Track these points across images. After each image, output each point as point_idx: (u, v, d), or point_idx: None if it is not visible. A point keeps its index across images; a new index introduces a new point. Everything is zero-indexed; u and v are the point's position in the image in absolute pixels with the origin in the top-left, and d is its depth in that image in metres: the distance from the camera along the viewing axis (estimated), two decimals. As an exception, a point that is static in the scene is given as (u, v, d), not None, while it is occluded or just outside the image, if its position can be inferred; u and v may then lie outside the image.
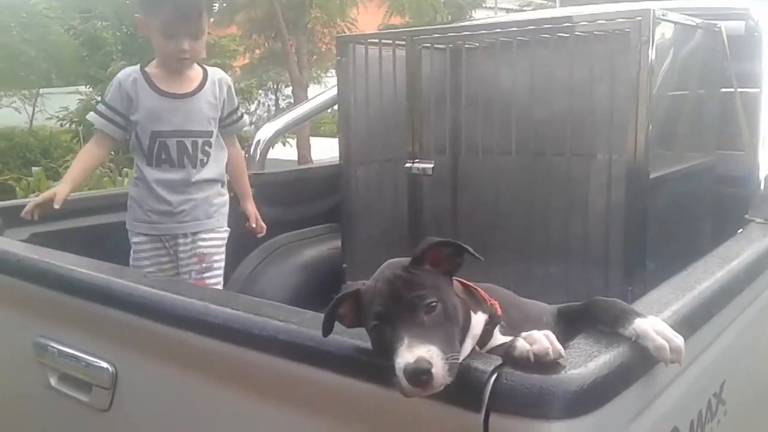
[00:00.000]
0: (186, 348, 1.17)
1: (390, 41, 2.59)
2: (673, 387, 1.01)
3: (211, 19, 2.28)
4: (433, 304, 0.92)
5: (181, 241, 2.15)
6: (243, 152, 2.67)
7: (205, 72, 2.19)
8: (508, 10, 16.25)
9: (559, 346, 0.88)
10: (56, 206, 1.93)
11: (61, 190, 1.94)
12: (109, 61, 7.34)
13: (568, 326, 1.01)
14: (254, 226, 2.39)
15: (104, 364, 1.30)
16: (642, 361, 0.94)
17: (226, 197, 2.28)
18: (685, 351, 0.94)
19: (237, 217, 2.40)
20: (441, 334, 0.89)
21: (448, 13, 11.46)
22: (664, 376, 0.97)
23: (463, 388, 0.87)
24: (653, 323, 0.95)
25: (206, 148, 2.16)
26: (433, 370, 0.83)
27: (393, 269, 0.99)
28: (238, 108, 2.34)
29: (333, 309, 1.00)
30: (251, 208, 2.41)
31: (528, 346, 0.88)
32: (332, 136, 10.19)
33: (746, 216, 1.76)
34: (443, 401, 0.88)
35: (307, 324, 1.05)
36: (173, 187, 2.12)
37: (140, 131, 2.09)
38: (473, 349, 0.97)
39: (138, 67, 2.14)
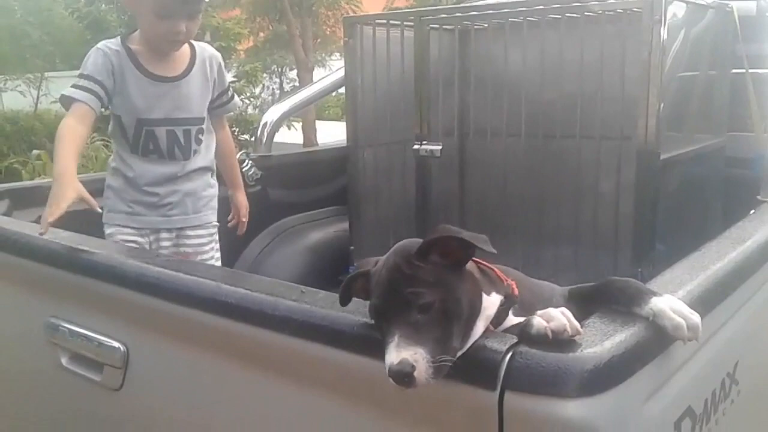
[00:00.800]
0: (198, 328, 1.17)
1: (398, 22, 2.57)
2: (688, 366, 1.01)
3: (206, -1, 2.04)
4: (430, 302, 0.90)
5: (164, 236, 1.94)
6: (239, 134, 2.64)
7: (193, 50, 1.96)
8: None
9: (576, 323, 0.88)
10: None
11: (68, 195, 1.56)
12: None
13: (580, 307, 1.00)
14: (242, 219, 2.18)
15: (116, 344, 1.30)
16: (657, 340, 0.93)
17: (216, 188, 2.07)
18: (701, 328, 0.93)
19: (248, 200, 2.39)
20: (434, 335, 0.88)
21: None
22: (679, 356, 0.97)
23: (478, 367, 0.87)
24: (669, 302, 0.95)
25: (199, 136, 1.96)
26: (415, 374, 0.84)
27: (398, 257, 0.96)
28: (228, 87, 2.10)
29: (348, 284, 1.01)
30: (241, 198, 2.19)
31: (545, 323, 0.87)
32: (337, 119, 10.16)
33: (758, 197, 1.75)
34: (458, 380, 0.87)
35: (320, 303, 1.05)
36: (161, 178, 1.91)
37: (124, 117, 1.87)
38: (487, 329, 0.97)
39: (119, 40, 1.89)
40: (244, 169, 2.64)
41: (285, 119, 2.97)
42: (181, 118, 1.91)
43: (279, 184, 2.80)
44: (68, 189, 1.56)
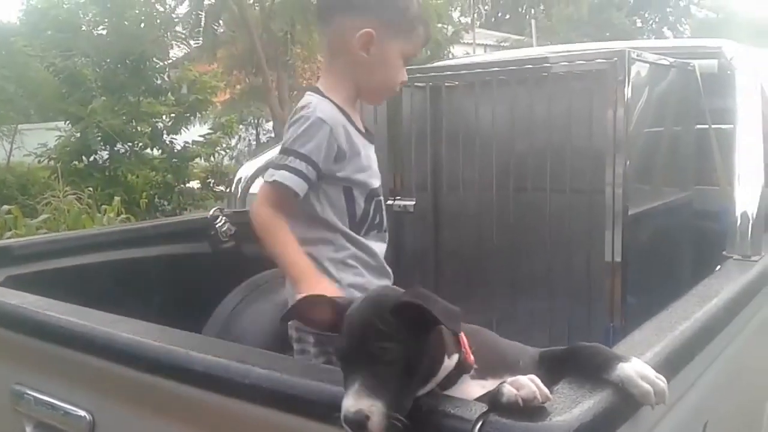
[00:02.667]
0: (167, 396, 1.15)
1: (371, 80, 2.61)
2: (658, 430, 1.01)
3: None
4: (396, 359, 0.92)
5: None
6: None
7: None
8: (485, 47, 16.53)
9: (545, 390, 0.88)
10: None
11: (330, 289, 1.38)
12: (90, 98, 7.34)
13: (550, 371, 1.01)
14: None
15: (82, 413, 1.27)
16: (625, 406, 0.94)
17: None
18: (668, 392, 0.95)
19: (222, 257, 2.38)
20: (392, 389, 0.91)
21: (427, 49, 11.61)
22: (649, 420, 0.98)
23: (448, 436, 0.87)
24: (636, 367, 0.96)
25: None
26: (369, 425, 0.88)
27: (373, 308, 0.98)
28: None
29: (302, 307, 1.05)
30: None
31: (515, 391, 0.88)
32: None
33: (724, 253, 1.78)
34: (428, 450, 0.87)
35: (290, 371, 1.04)
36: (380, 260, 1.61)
37: (356, 190, 1.55)
38: (432, 390, 0.98)
39: (322, 97, 1.53)
40: (217, 225, 2.63)
41: (260, 174, 2.98)
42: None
43: (253, 240, 2.78)
44: (326, 287, 1.39)
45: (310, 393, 0.99)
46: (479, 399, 0.95)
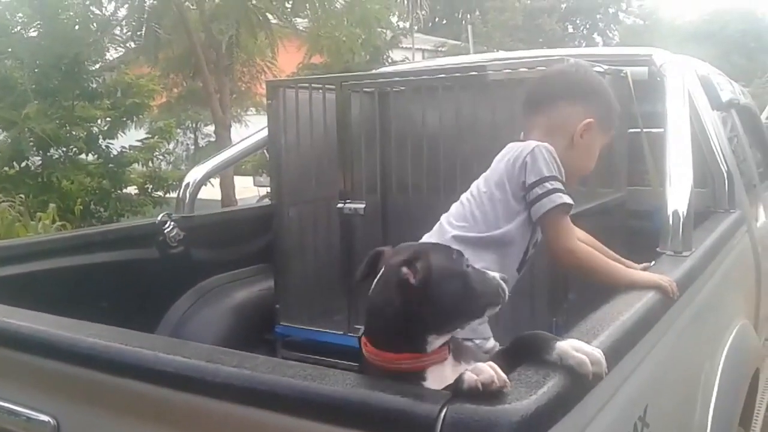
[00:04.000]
0: (135, 398, 1.17)
1: (320, 86, 2.66)
2: (604, 413, 1.10)
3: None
4: None
5: None
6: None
7: None
8: (423, 51, 16.75)
9: (503, 375, 0.95)
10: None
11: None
12: (23, 102, 7.10)
13: (505, 363, 1.09)
14: None
15: (45, 418, 1.27)
16: (575, 389, 1.02)
17: None
18: (604, 361, 1.05)
19: (171, 262, 2.38)
20: None
21: (366, 54, 11.69)
22: (596, 403, 1.06)
23: (414, 424, 0.92)
24: (571, 343, 1.07)
25: None
26: None
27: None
28: None
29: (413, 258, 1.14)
30: None
31: (475, 377, 0.94)
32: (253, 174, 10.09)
33: (657, 249, 1.90)
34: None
35: (260, 369, 1.07)
36: None
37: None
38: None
39: None
40: (165, 230, 2.63)
41: (207, 179, 2.99)
42: None
43: (202, 244, 2.79)
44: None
45: (280, 388, 1.03)
46: (446, 388, 1.01)
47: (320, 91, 2.64)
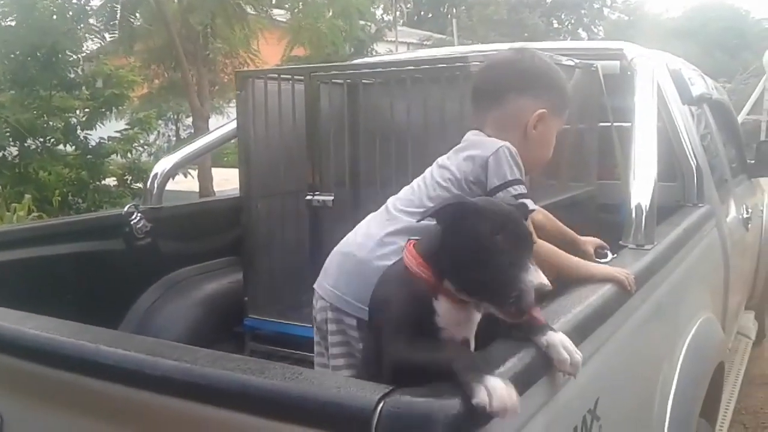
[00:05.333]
0: (79, 392, 1.15)
1: (289, 76, 2.63)
2: (548, 407, 1.09)
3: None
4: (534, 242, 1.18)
5: None
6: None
7: None
8: (408, 45, 16.71)
9: (515, 403, 0.92)
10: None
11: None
12: (-2, 92, 7.01)
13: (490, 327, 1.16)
14: None
15: (-12, 412, 1.25)
16: (519, 383, 1.01)
17: None
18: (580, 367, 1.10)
19: (137, 254, 2.35)
20: None
21: (350, 46, 11.65)
22: (540, 397, 1.05)
23: (351, 417, 0.91)
24: (562, 338, 1.11)
25: None
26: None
27: (508, 205, 1.22)
28: None
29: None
30: None
31: (487, 400, 0.90)
32: (235, 166, 10.04)
33: (620, 242, 1.90)
34: (329, 430, 0.91)
35: (200, 362, 1.06)
36: None
37: None
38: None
39: None
40: (132, 222, 2.60)
41: (176, 170, 2.95)
42: None
43: (170, 236, 2.76)
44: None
45: (221, 382, 1.01)
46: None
47: (289, 82, 2.61)
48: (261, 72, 2.85)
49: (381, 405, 0.90)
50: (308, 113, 2.54)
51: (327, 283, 1.68)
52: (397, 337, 1.14)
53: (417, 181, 1.72)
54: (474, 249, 1.13)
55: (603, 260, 1.91)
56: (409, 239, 1.29)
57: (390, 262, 1.52)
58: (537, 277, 1.07)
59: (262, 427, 0.96)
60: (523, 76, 1.69)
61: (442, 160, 1.71)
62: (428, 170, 1.72)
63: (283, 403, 0.95)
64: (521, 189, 1.58)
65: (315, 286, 1.73)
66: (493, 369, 0.98)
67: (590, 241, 2.05)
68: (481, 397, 0.91)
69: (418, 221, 1.37)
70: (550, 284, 1.07)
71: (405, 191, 1.73)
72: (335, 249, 1.73)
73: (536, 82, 1.69)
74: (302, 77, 2.57)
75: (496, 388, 0.91)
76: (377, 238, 1.61)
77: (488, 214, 1.15)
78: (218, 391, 1.00)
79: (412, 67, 2.42)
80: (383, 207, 1.73)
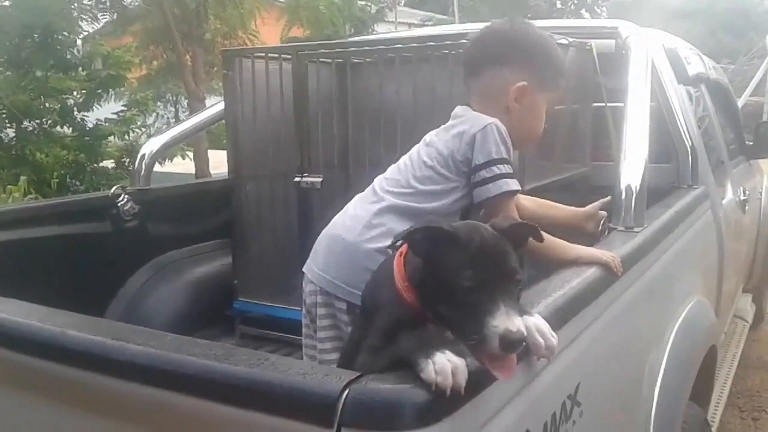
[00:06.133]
0: (46, 378, 1.12)
1: (276, 55, 2.59)
2: (525, 391, 1.06)
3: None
4: (522, 279, 1.04)
5: None
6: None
7: None
8: (409, 25, 16.56)
9: (461, 381, 0.89)
10: None
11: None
12: (-10, 73, 6.95)
13: None
14: None
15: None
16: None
17: None
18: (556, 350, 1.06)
19: (125, 236, 2.32)
20: (518, 309, 1.00)
21: (351, 26, 11.54)
22: (514, 384, 1.02)
23: (316, 404, 0.88)
24: (536, 321, 1.06)
25: None
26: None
27: (491, 234, 1.07)
28: None
29: (431, 235, 1.07)
30: None
31: (434, 376, 0.88)
32: (235, 148, 9.95)
33: (610, 224, 1.86)
34: (295, 418, 0.88)
35: (166, 347, 1.03)
36: None
37: None
38: None
39: None
40: (119, 204, 2.57)
41: (165, 151, 2.92)
42: None
43: (159, 218, 2.74)
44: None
45: (187, 367, 0.99)
46: None
47: (278, 61, 2.57)
48: (248, 50, 2.82)
49: (346, 392, 0.87)
50: (296, 93, 2.50)
51: (316, 266, 1.65)
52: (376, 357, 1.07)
53: (403, 160, 1.68)
54: (442, 280, 1.04)
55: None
56: (398, 246, 1.19)
57: (379, 245, 1.51)
58: (505, 321, 0.95)
59: (225, 414, 0.93)
60: (503, 46, 1.63)
61: (429, 136, 1.67)
62: (415, 148, 1.68)
63: (247, 390, 0.93)
64: (506, 168, 1.53)
65: (304, 269, 1.70)
66: (448, 346, 0.93)
67: (591, 216, 1.96)
68: (427, 371, 0.88)
69: (387, 248, 1.30)
70: (521, 330, 0.95)
71: (391, 170, 1.69)
72: (324, 231, 1.70)
73: (516, 52, 1.62)
74: (290, 56, 2.52)
75: (440, 362, 0.89)
76: (365, 221, 1.58)
77: (462, 244, 1.04)
78: (182, 376, 0.98)
79: (401, 46, 2.37)
80: (370, 187, 1.70)
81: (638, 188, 1.86)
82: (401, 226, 1.44)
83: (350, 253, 1.56)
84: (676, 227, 2.05)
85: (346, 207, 1.71)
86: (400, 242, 1.13)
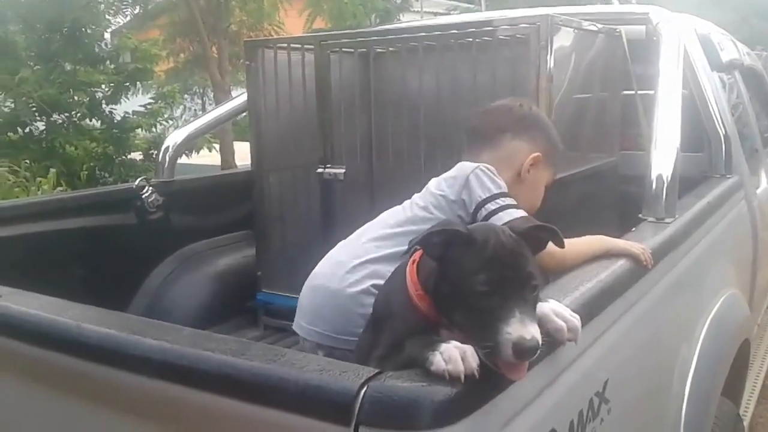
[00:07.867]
0: (58, 371, 1.11)
1: (299, 45, 2.56)
2: (551, 388, 1.02)
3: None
4: (538, 284, 0.99)
5: None
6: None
7: None
8: (435, 14, 16.43)
9: (472, 365, 0.88)
10: None
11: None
12: (20, 67, 7.03)
13: None
14: None
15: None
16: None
17: None
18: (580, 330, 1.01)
19: (149, 228, 2.31)
20: (534, 315, 0.96)
21: (376, 17, 11.48)
22: (538, 382, 0.98)
23: (333, 402, 0.86)
24: (552, 306, 1.02)
25: None
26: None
27: (508, 237, 1.03)
28: None
29: (446, 239, 1.04)
30: None
31: (444, 365, 0.87)
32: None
33: (640, 215, 1.81)
34: (311, 416, 0.86)
35: (181, 342, 1.01)
36: None
37: None
38: None
39: None
40: (143, 196, 2.57)
41: (188, 143, 2.91)
42: None
43: (182, 210, 2.73)
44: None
45: (199, 362, 0.97)
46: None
47: (300, 52, 2.54)
48: (270, 41, 2.79)
49: (364, 389, 0.85)
50: (318, 83, 2.47)
51: (304, 321, 1.64)
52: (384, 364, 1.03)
53: (391, 210, 1.70)
54: (456, 284, 1.01)
55: None
56: (413, 251, 1.16)
57: (363, 286, 1.50)
58: (519, 329, 0.91)
59: (240, 411, 0.91)
60: (521, 120, 1.70)
61: (426, 188, 1.69)
62: (411, 201, 1.69)
63: (262, 386, 0.90)
64: (509, 200, 1.54)
65: (294, 327, 1.69)
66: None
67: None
68: (436, 362, 0.87)
69: (403, 254, 1.27)
70: (536, 338, 0.91)
71: (376, 221, 1.70)
72: (306, 282, 1.70)
73: (533, 127, 1.70)
74: (312, 46, 2.49)
75: (447, 350, 0.88)
76: (348, 266, 1.57)
77: (477, 247, 1.01)
78: (196, 372, 0.96)
79: (424, 34, 2.32)
80: (353, 234, 1.70)
81: (670, 178, 1.80)
82: (387, 268, 1.40)
83: (335, 300, 1.55)
84: (709, 218, 1.99)
85: (328, 254, 1.69)
86: (415, 248, 1.11)
